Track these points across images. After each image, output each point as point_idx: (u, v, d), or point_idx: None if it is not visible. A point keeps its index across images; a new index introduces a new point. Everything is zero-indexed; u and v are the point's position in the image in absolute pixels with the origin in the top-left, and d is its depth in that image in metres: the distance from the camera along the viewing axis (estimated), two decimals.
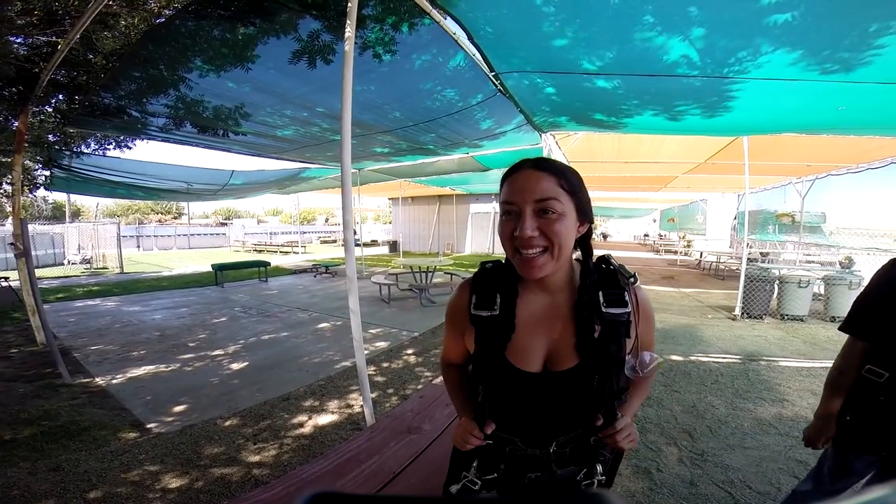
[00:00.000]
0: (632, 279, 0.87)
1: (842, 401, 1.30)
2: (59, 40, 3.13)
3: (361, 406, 2.80)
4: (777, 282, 6.57)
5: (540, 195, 0.76)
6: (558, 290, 0.86)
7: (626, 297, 0.84)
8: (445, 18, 2.90)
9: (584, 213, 0.83)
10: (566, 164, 0.84)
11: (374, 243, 26.59)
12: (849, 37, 2.37)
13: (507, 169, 0.83)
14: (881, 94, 3.09)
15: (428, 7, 2.74)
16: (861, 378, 1.24)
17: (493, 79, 3.69)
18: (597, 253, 0.90)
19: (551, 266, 0.78)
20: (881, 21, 2.17)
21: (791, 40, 2.46)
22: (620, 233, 39.08)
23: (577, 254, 0.89)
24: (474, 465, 0.92)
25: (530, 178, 0.77)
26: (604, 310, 0.82)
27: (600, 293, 0.83)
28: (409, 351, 4.83)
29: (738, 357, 4.53)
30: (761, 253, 10.51)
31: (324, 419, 3.12)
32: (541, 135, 5.60)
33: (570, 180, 0.79)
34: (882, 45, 2.37)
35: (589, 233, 0.87)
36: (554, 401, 0.84)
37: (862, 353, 1.25)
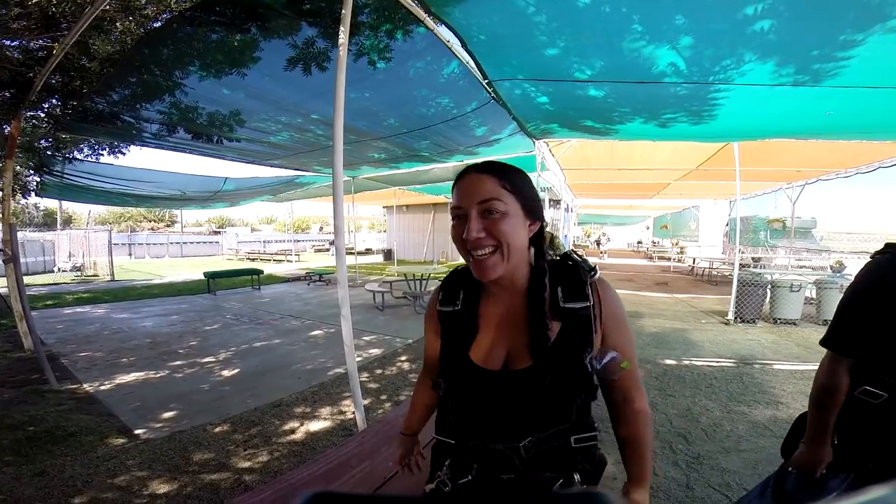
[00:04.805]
0: (592, 272, 0.85)
1: (833, 421, 1.14)
2: (55, 45, 3.12)
3: (353, 412, 2.78)
4: (769, 286, 6.64)
5: (482, 196, 0.77)
6: (517, 290, 0.86)
7: (587, 291, 0.83)
8: (439, 26, 2.93)
9: (532, 211, 0.83)
10: (512, 165, 0.84)
11: (368, 252, 26.40)
12: (823, 46, 2.45)
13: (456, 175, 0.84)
14: (863, 98, 3.16)
15: (422, 15, 2.77)
16: (853, 399, 1.09)
17: (486, 86, 3.72)
18: (591, 260, 0.91)
19: (503, 267, 0.79)
20: (848, 33, 2.25)
21: (771, 49, 2.53)
22: (614, 240, 39.25)
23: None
24: (447, 463, 0.90)
25: (474, 182, 0.79)
26: (561, 305, 0.82)
27: (559, 288, 0.83)
28: (403, 357, 4.81)
29: (731, 361, 4.55)
30: (753, 258, 10.60)
31: (315, 425, 3.09)
32: (534, 142, 5.65)
33: (512, 180, 0.80)
34: (849, 57, 2.49)
35: (541, 231, 0.86)
36: (513, 399, 0.83)
37: (849, 369, 1.10)
